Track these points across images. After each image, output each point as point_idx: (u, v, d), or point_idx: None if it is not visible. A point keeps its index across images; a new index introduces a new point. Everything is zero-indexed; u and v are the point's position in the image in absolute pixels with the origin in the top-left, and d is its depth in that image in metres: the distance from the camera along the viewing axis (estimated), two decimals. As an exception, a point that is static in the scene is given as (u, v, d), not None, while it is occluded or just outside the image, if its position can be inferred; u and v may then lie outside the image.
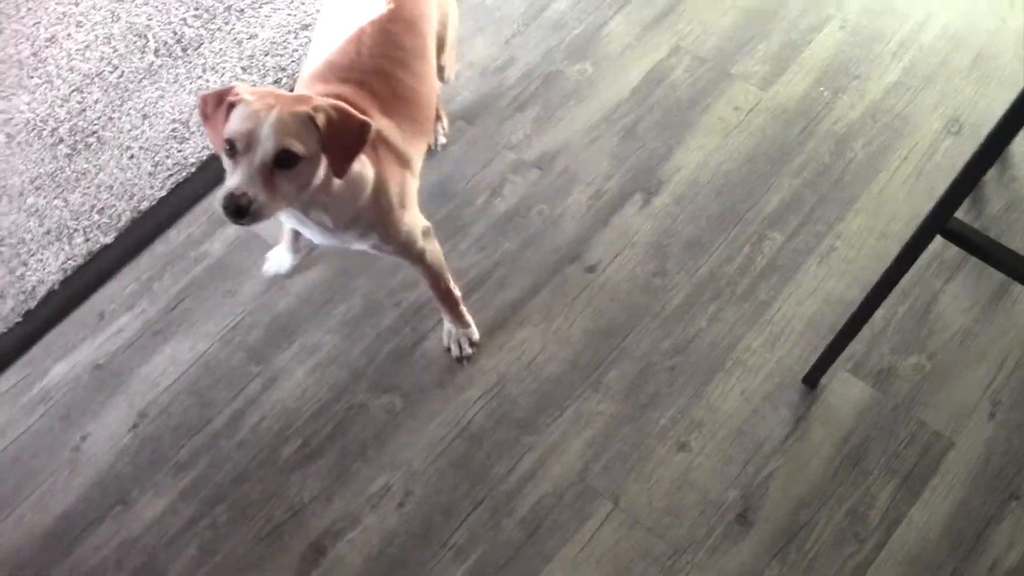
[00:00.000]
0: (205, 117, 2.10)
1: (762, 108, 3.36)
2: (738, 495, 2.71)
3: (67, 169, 3.68)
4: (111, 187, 3.61)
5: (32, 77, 4.01)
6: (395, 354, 2.98)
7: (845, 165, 3.20)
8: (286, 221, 2.42)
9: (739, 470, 2.75)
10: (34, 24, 4.14)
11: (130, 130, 3.77)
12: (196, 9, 4.02)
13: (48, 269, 3.42)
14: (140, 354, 3.32)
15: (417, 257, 2.62)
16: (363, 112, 2.20)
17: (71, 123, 3.82)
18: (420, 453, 2.85)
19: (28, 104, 3.91)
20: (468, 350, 2.95)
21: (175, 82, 3.82)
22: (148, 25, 4.08)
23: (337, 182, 2.15)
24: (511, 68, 3.53)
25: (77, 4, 4.12)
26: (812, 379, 2.78)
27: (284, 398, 2.98)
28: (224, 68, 3.79)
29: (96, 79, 3.98)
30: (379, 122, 2.30)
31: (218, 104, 2.06)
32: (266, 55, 3.73)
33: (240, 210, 1.98)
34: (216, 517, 2.98)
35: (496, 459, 2.81)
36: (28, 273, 3.45)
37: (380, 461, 2.84)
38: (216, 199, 2.12)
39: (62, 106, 3.87)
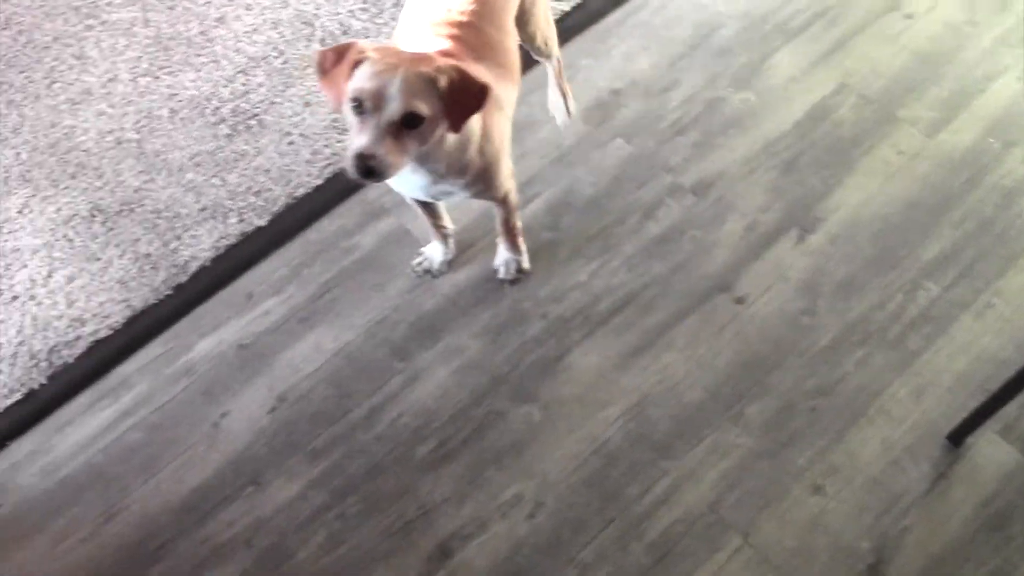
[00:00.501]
0: (323, 72, 2.17)
1: (927, 154, 3.33)
2: (871, 546, 2.67)
3: (227, 149, 3.81)
4: (268, 171, 3.70)
5: (199, 55, 4.16)
6: (538, 364, 3.02)
7: (1010, 221, 3.13)
8: (402, 179, 2.49)
9: (874, 520, 2.71)
10: (205, 3, 4.28)
11: (291, 116, 3.88)
12: (364, 2, 4.12)
13: (201, 245, 3.56)
14: (284, 339, 3.41)
15: (503, 198, 2.79)
16: (458, 60, 2.29)
17: (234, 104, 3.95)
18: (555, 466, 2.88)
19: (193, 82, 4.05)
20: (513, 275, 3.20)
21: None
22: (316, 14, 4.20)
23: (450, 137, 2.27)
24: (674, 91, 3.57)
25: (249, -14, 4.21)
26: (957, 437, 2.73)
27: (424, 397, 3.05)
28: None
29: (261, 63, 4.11)
30: (474, 69, 2.35)
31: (338, 60, 2.14)
32: (432, 54, 3.80)
33: (369, 170, 2.10)
34: (347, 508, 2.98)
35: (630, 480, 2.82)
36: (181, 248, 3.60)
37: (514, 470, 2.87)
38: (344, 159, 2.20)
39: (226, 86, 4.01)
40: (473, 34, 2.49)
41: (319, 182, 3.43)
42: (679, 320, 3.08)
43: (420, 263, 3.21)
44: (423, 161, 2.33)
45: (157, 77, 4.11)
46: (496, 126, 2.49)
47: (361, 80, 2.10)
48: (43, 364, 3.42)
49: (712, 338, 3.04)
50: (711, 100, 3.50)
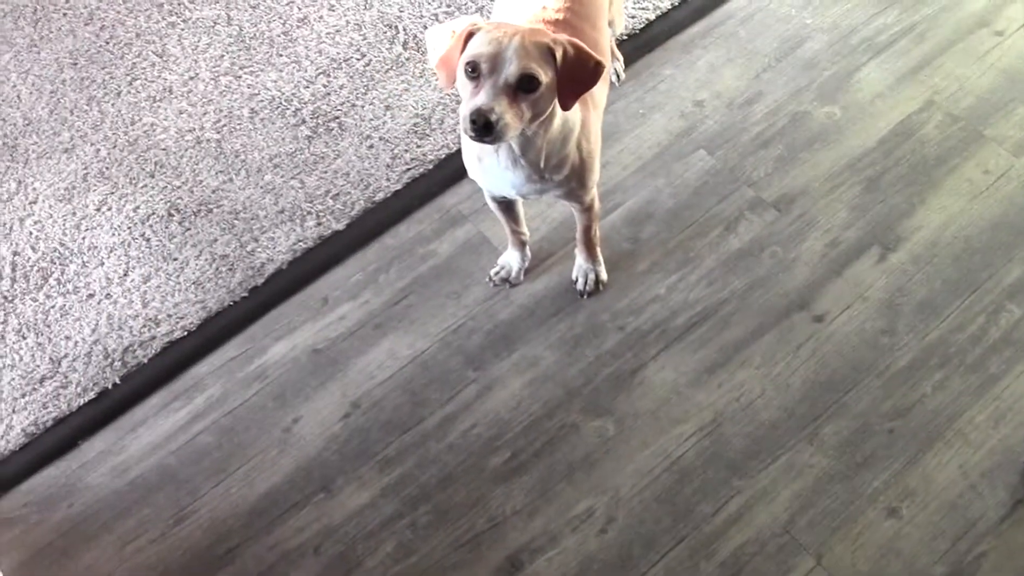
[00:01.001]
0: (437, 49, 2.23)
1: (1013, 175, 3.33)
2: (945, 571, 2.67)
3: (306, 151, 3.89)
4: (347, 174, 3.73)
5: (281, 56, 4.23)
6: (613, 379, 3.05)
7: (1098, 245, 3.09)
8: (500, 164, 2.53)
9: (949, 546, 2.72)
10: (288, 3, 4.36)
11: (371, 120, 3.93)
12: (448, 6, 4.20)
13: (278, 248, 3.65)
14: (359, 344, 3.48)
15: (589, 204, 2.82)
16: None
17: (314, 106, 4.03)
18: (627, 481, 2.91)
19: (275, 82, 4.13)
20: (592, 287, 3.23)
21: (421, 76, 3.79)
22: (399, 16, 4.25)
23: (556, 123, 2.34)
24: (758, 103, 3.60)
25: (331, -12, 4.28)
26: (1037, 464, 2.73)
27: (497, 407, 3.08)
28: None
29: (343, 64, 4.18)
30: None
31: (452, 36, 2.18)
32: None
33: (488, 125, 2.08)
34: (417, 518, 3.01)
35: (703, 498, 2.86)
36: (258, 249, 3.68)
37: (586, 484, 2.90)
38: (461, 118, 2.13)
39: (307, 88, 4.08)
40: (569, 32, 2.44)
41: (398, 187, 3.48)
42: (757, 337, 3.11)
43: (498, 272, 3.24)
44: (524, 150, 2.40)
45: (238, 76, 4.18)
46: (594, 124, 2.53)
47: (478, 46, 2.13)
48: (117, 364, 3.50)
49: (789, 356, 3.06)
50: (795, 114, 3.53)
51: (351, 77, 4.09)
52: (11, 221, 3.93)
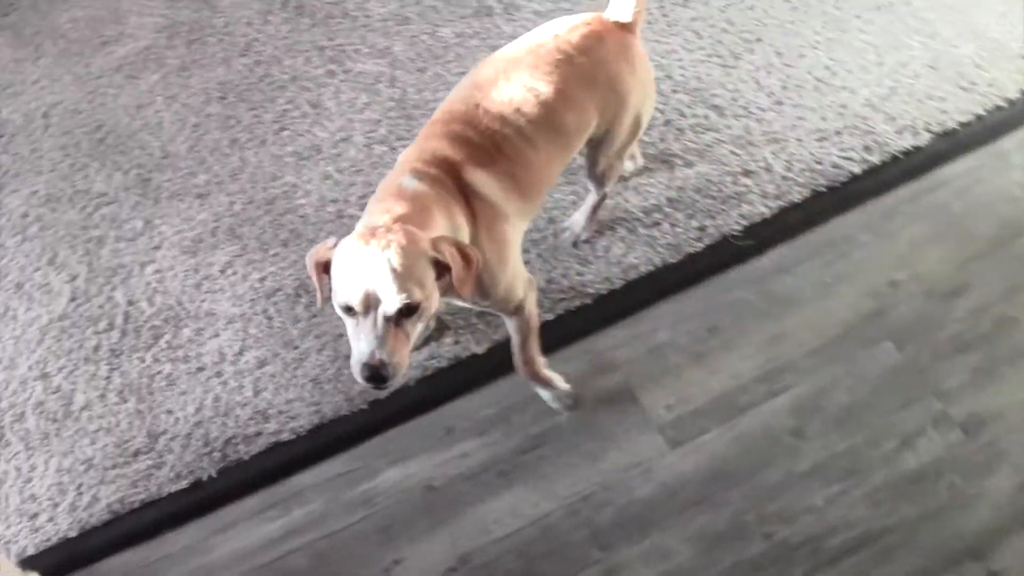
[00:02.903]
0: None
1: None
2: None
3: None
4: None
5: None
6: None
7: None
8: None
9: None
10: (458, 72, 4.12)
11: (532, 229, 3.75)
12: (634, 114, 3.97)
13: (410, 360, 3.42)
14: (479, 491, 3.31)
15: (513, 310, 2.77)
16: (453, 164, 2.50)
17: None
18: None
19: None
20: (568, 403, 3.26)
21: (592, 190, 3.74)
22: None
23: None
24: (962, 297, 3.34)
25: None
26: None
27: (618, 602, 2.87)
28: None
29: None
30: (473, 175, 2.51)
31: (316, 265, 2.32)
32: (697, 192, 3.66)
33: (380, 378, 2.20)
34: None
35: None
36: (387, 358, 3.43)
37: None
38: (352, 364, 2.24)
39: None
40: (488, 139, 2.55)
41: (550, 316, 3.33)
42: (919, 581, 2.86)
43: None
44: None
45: (393, 147, 4.06)
46: (489, 233, 2.54)
47: (341, 285, 2.22)
48: (216, 454, 3.41)
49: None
50: (1004, 319, 3.26)
51: None
52: (132, 264, 3.86)
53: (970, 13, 4.05)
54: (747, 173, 3.51)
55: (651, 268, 3.37)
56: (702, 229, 3.41)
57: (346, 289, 2.17)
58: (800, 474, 3.23)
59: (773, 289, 3.43)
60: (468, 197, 2.46)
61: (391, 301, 2.14)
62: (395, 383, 2.21)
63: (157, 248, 3.90)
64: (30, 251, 3.99)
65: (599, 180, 3.15)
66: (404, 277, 2.13)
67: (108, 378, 3.60)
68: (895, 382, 3.39)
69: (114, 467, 3.39)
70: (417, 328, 2.23)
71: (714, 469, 3.26)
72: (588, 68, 2.65)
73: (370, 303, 2.16)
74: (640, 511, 3.22)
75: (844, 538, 3.12)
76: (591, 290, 3.43)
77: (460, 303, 2.68)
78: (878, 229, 3.53)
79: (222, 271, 3.73)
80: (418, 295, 2.15)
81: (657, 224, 3.42)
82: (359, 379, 2.20)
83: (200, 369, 3.56)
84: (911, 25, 3.91)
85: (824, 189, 3.55)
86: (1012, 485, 3.18)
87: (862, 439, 3.30)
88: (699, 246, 3.41)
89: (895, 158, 3.60)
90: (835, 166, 3.62)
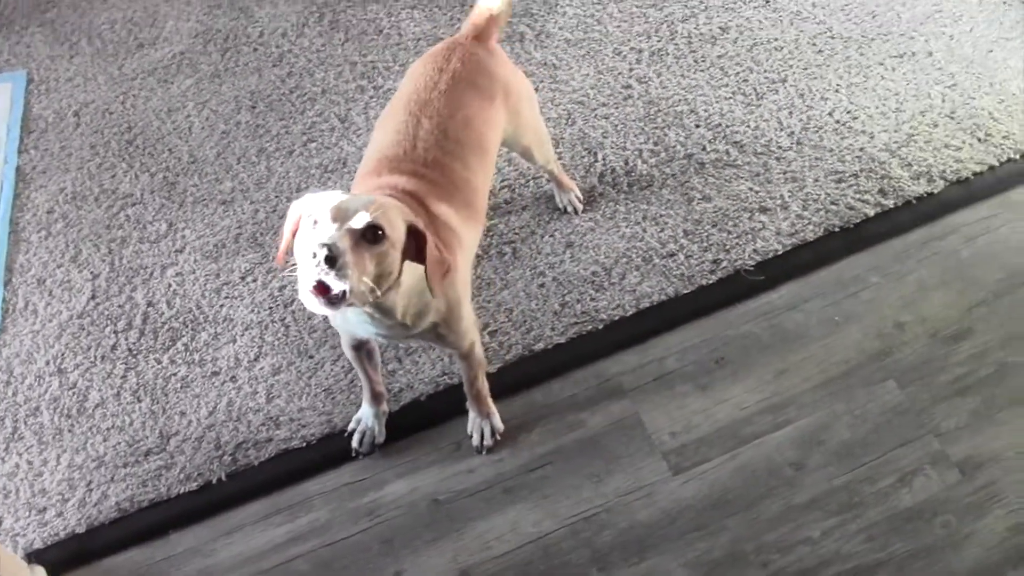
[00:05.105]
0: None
1: None
2: None
3: (473, 271, 3.72)
4: (511, 310, 3.52)
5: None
6: None
7: None
8: (354, 322, 2.59)
9: None
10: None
11: (548, 255, 3.78)
12: (655, 146, 4.08)
13: (420, 376, 3.57)
14: (483, 506, 3.40)
15: (468, 350, 2.87)
16: (420, 199, 2.55)
17: (489, 223, 3.95)
18: None
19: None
20: (490, 441, 3.30)
21: (611, 218, 3.71)
22: (601, 143, 4.24)
23: (407, 278, 2.37)
24: (965, 341, 3.42)
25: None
26: None
27: (613, 622, 2.96)
28: (665, 220, 3.98)
29: (530, 183, 4.22)
30: (438, 208, 2.58)
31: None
32: (713, 226, 3.78)
33: (332, 259, 2.06)
34: None
35: None
36: (399, 372, 3.63)
37: None
38: (298, 281, 2.19)
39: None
40: (438, 173, 2.64)
41: (561, 340, 3.40)
42: (906, 617, 2.90)
43: (359, 435, 3.37)
44: (378, 306, 2.39)
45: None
46: (458, 267, 2.56)
47: (315, 202, 2.27)
48: (227, 458, 3.50)
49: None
50: (1005, 364, 3.31)
51: (536, 200, 3.86)
52: (153, 266, 3.95)
53: (990, 67, 4.25)
54: (763, 210, 3.56)
55: (663, 297, 3.44)
56: (716, 262, 3.47)
57: (319, 203, 2.19)
58: (799, 506, 3.31)
59: (782, 324, 3.55)
60: (436, 228, 2.52)
61: (360, 216, 2.13)
62: (344, 277, 2.14)
63: (179, 251, 3.99)
64: (53, 247, 4.09)
65: (543, 162, 3.54)
66: (378, 209, 2.18)
67: (124, 377, 3.69)
68: (896, 421, 3.48)
69: (125, 465, 3.49)
70: (372, 270, 2.18)
71: (715, 497, 3.33)
72: (482, 82, 2.83)
73: (339, 216, 2.14)
74: (640, 535, 3.31)
75: (838, 570, 3.20)
76: (603, 316, 3.46)
77: (416, 340, 2.80)
78: (887, 271, 3.59)
79: (242, 278, 3.80)
80: (386, 226, 2.17)
81: (672, 255, 3.47)
82: (308, 269, 2.14)
83: (215, 373, 3.63)
84: (932, 75, 3.99)
85: (837, 229, 3.62)
86: (1004, 527, 3.25)
87: (861, 474, 3.38)
88: (712, 279, 3.48)
89: (908, 203, 3.69)
90: (850, 207, 3.67)
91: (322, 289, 2.10)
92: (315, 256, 2.05)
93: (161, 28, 4.36)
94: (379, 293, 2.35)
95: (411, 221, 2.26)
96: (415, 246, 2.27)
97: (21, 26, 4.53)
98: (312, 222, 2.15)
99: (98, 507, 3.44)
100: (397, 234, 2.20)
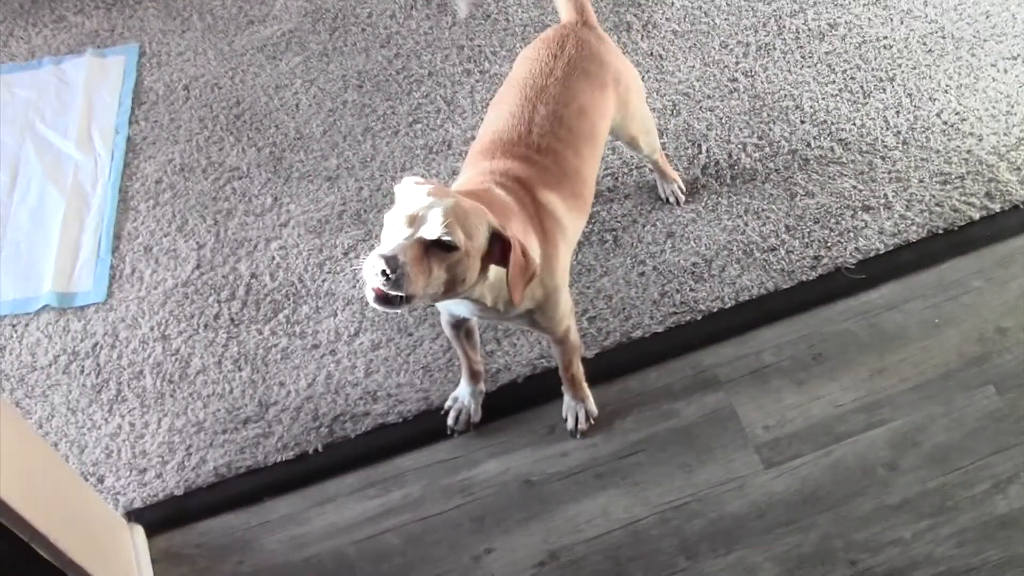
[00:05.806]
0: None
1: None
2: None
3: (574, 258, 3.75)
4: (610, 297, 3.54)
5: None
6: None
7: None
8: (451, 302, 2.59)
9: None
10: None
11: (650, 243, 3.71)
12: (760, 139, 4.05)
13: (519, 357, 3.63)
14: (574, 489, 3.44)
15: (563, 336, 2.87)
16: (529, 187, 2.59)
17: (593, 210, 3.90)
18: None
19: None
20: (584, 425, 3.27)
21: (713, 210, 3.75)
22: (705, 135, 4.23)
23: (492, 274, 2.38)
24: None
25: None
26: None
27: (698, 611, 2.96)
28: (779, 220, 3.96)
29: (634, 171, 4.21)
30: (546, 196, 2.62)
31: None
32: (815, 223, 3.77)
33: (387, 277, 2.09)
34: None
35: None
36: (498, 353, 3.69)
37: None
38: (365, 265, 2.19)
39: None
40: (550, 160, 2.66)
41: (659, 329, 3.41)
42: (997, 629, 2.82)
43: (455, 414, 3.39)
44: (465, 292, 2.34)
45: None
46: (560, 258, 2.61)
47: (401, 197, 2.28)
48: (324, 430, 3.57)
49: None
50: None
51: (639, 189, 3.86)
52: (258, 239, 4.02)
53: (1109, 71, 4.11)
54: (866, 208, 3.56)
55: (763, 291, 3.45)
56: (817, 258, 3.48)
57: (402, 202, 2.23)
58: (890, 506, 3.31)
59: (881, 324, 3.59)
60: (541, 217, 2.54)
61: (433, 226, 2.13)
62: (400, 288, 2.16)
63: (284, 225, 4.08)
64: (160, 216, 4.20)
65: (648, 151, 3.55)
66: (456, 217, 2.16)
67: (225, 346, 3.78)
68: (993, 428, 3.45)
69: (224, 432, 3.58)
70: (441, 277, 2.20)
71: (806, 493, 3.35)
72: (594, 70, 2.84)
73: (414, 222, 2.16)
74: (729, 526, 3.32)
75: (928, 573, 3.19)
76: (702, 307, 3.47)
77: (507, 321, 2.80)
78: (990, 275, 3.54)
79: (345, 253, 3.88)
80: (460, 238, 2.15)
81: (773, 249, 3.48)
82: (367, 274, 2.17)
83: (315, 346, 3.71)
84: (1046, 78, 3.88)
85: (941, 231, 3.58)
86: (1101, 539, 3.16)
87: (955, 478, 3.37)
88: (812, 275, 3.49)
89: (1016, 207, 3.62)
90: (955, 209, 3.63)
91: (381, 292, 2.13)
92: (374, 266, 2.07)
93: (271, 6, 4.42)
94: (451, 294, 2.41)
95: (495, 227, 2.24)
96: (500, 249, 2.26)
97: (135, 1, 4.57)
98: (390, 222, 2.17)
99: (196, 471, 3.54)
100: (475, 242, 2.20)
